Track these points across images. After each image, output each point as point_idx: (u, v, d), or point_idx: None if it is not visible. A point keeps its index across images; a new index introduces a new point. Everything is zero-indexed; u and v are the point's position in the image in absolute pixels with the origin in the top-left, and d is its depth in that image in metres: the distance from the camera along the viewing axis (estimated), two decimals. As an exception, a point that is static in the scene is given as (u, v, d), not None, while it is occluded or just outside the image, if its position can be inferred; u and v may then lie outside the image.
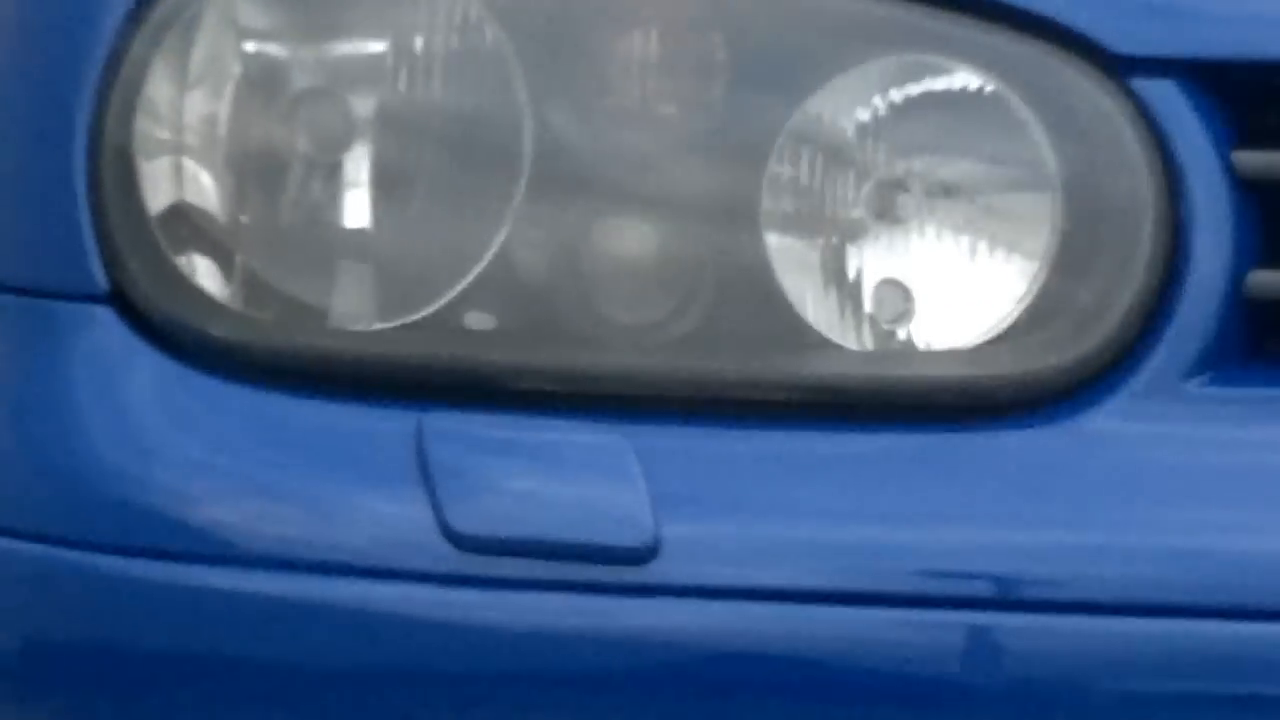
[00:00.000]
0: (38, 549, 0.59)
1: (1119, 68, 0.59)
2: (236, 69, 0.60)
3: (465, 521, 0.55)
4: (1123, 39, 0.59)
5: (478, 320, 0.60)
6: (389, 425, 0.57)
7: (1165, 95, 0.59)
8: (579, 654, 0.55)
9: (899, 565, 0.58)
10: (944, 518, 0.58)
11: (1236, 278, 0.59)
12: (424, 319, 0.59)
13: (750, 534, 0.56)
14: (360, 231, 0.61)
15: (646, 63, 0.61)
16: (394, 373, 0.59)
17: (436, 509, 0.55)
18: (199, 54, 0.60)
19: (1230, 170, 0.59)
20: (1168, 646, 0.58)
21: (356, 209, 0.61)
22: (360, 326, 0.60)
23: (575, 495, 0.56)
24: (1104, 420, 0.58)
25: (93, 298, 0.59)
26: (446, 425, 0.57)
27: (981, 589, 0.58)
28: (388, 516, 0.56)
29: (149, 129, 0.60)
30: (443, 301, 0.59)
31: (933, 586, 0.58)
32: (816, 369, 0.60)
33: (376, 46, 0.60)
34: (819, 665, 0.56)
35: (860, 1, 0.60)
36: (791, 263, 0.61)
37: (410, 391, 0.58)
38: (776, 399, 0.60)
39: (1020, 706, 0.56)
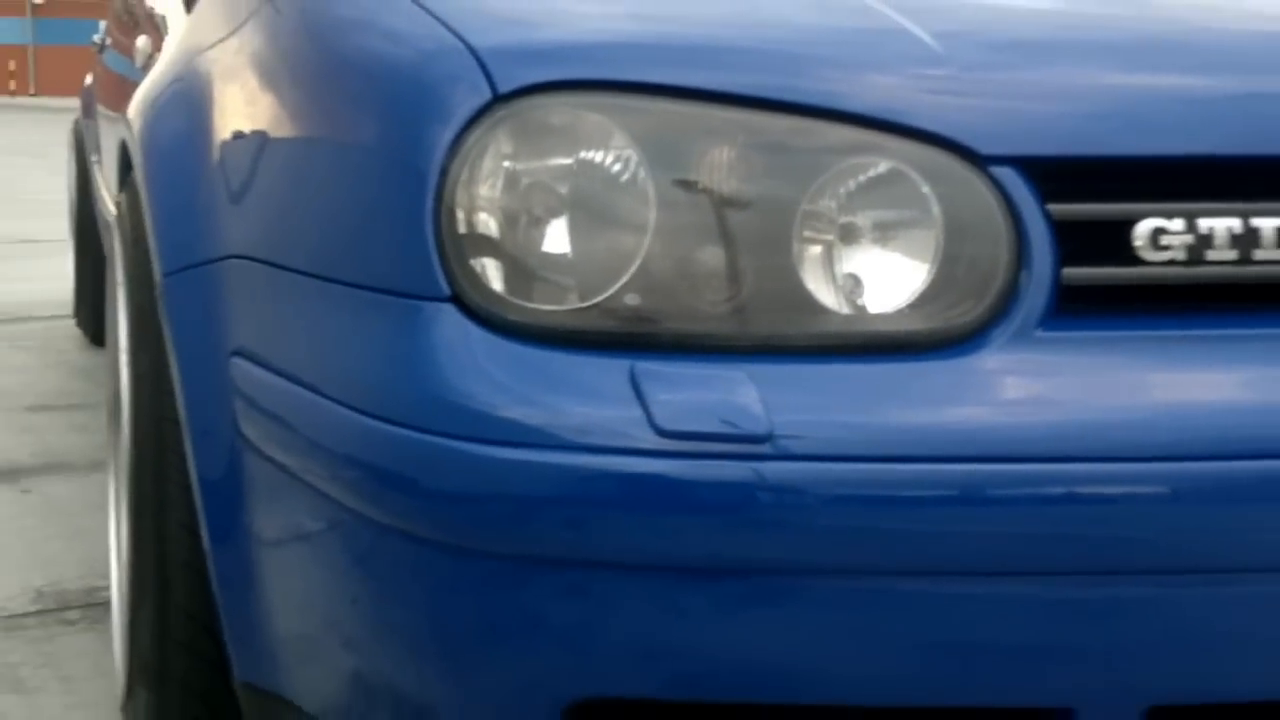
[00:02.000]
0: (409, 434, 1.00)
1: (981, 161, 1.02)
2: (500, 174, 1.03)
3: (666, 421, 0.97)
4: (983, 142, 1.02)
5: (632, 301, 1.04)
6: (608, 364, 1.00)
7: (1010, 175, 1.02)
8: (727, 493, 0.95)
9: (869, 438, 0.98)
10: (898, 410, 0.99)
11: (1056, 272, 1.02)
12: (598, 303, 1.03)
13: (821, 420, 0.99)
14: (563, 256, 1.04)
15: (723, 166, 1.03)
16: (608, 335, 1.01)
17: (647, 414, 0.98)
18: (484, 164, 1.03)
19: (1047, 213, 1.02)
20: (1013, 491, 0.94)
21: (561, 241, 1.05)
22: (567, 307, 1.02)
23: (720, 403, 0.98)
24: (988, 355, 1.00)
25: (440, 298, 1.03)
26: (649, 366, 0.99)
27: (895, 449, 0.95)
28: (612, 418, 0.97)
29: (462, 200, 1.03)
30: (609, 292, 1.03)
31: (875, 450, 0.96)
32: (822, 326, 1.04)
33: (565, 162, 1.04)
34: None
35: (834, 127, 1.02)
36: (805, 264, 1.05)
37: (619, 345, 1.01)
38: (802, 344, 1.03)
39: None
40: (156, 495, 1.39)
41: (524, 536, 0.98)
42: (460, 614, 1.00)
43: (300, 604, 1.16)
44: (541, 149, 1.03)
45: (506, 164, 1.02)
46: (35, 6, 33.16)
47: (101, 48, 3.42)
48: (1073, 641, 0.95)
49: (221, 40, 1.38)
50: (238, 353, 1.20)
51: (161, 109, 1.44)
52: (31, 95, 32.56)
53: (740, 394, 0.97)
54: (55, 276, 5.38)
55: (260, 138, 1.24)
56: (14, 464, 3.03)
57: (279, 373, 1.13)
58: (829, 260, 1.02)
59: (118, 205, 1.69)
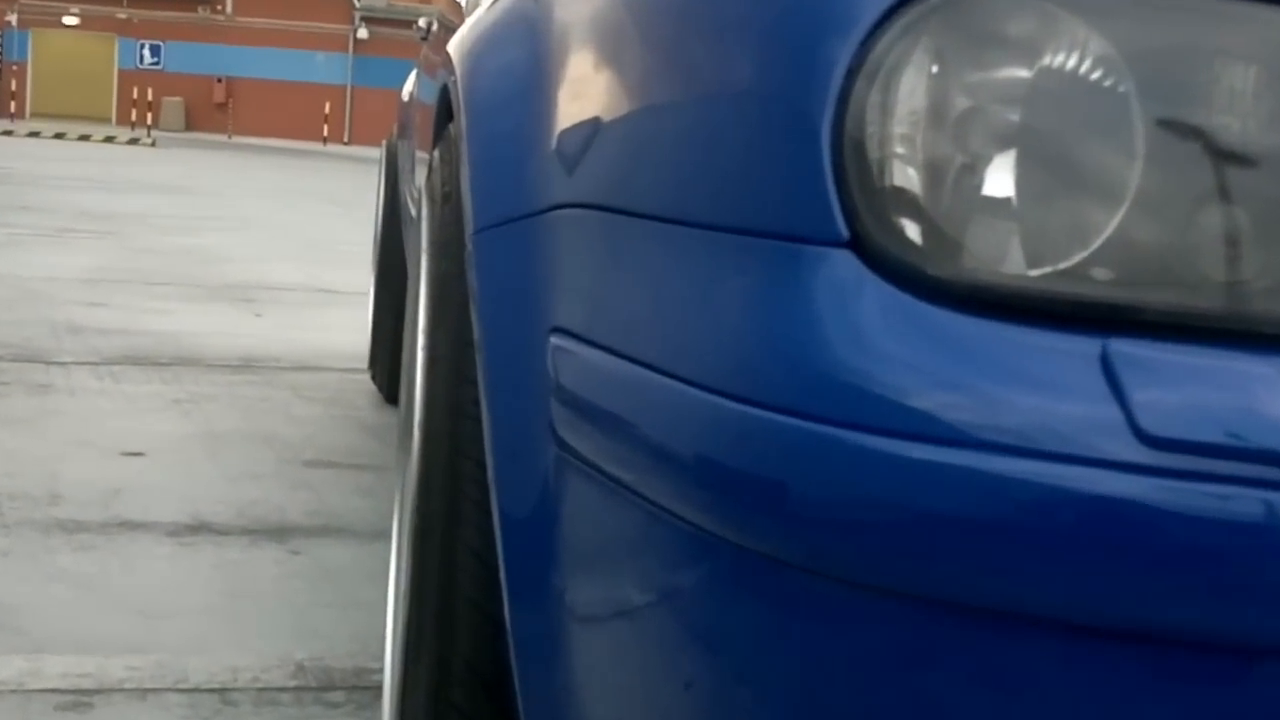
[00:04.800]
0: (781, 418, 0.92)
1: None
2: (924, 90, 0.94)
3: (1153, 425, 0.85)
4: None
5: (1106, 265, 0.91)
6: (1071, 347, 0.88)
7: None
8: (1235, 536, 0.82)
9: None
10: None
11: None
12: (1061, 268, 0.90)
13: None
14: (1009, 202, 0.93)
15: (1238, 91, 0.91)
16: (1071, 305, 0.90)
17: (1127, 414, 0.85)
18: (902, 78, 0.94)
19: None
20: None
21: (1006, 182, 0.93)
22: (1016, 272, 0.91)
23: (1227, 405, 0.84)
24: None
25: (835, 243, 0.93)
26: (1128, 350, 0.87)
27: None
28: (1078, 417, 0.85)
29: (872, 120, 0.93)
30: (1077, 259, 0.91)
31: None
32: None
33: (1022, 73, 0.93)
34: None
35: None
36: None
37: (1086, 320, 0.89)
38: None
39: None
40: (445, 522, 1.36)
41: (936, 573, 0.86)
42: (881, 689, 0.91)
43: (620, 684, 1.10)
44: (984, 60, 0.94)
45: (934, 77, 0.94)
46: (359, 42, 35.59)
47: (426, 34, 3.54)
48: None
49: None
50: (560, 329, 1.16)
51: (490, 40, 1.46)
52: (345, 144, 34.87)
53: (1255, 394, 0.86)
54: (351, 328, 5.64)
55: (607, 62, 1.22)
56: (284, 522, 3.11)
57: (613, 351, 1.08)
58: None
59: (429, 164, 1.73)
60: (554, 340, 1.17)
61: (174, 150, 24.97)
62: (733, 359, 0.96)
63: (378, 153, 6.08)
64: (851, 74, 0.94)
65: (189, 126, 35.29)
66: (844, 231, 0.94)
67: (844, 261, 0.93)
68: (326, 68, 36.23)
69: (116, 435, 3.72)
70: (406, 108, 4.24)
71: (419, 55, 3.87)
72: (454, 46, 1.57)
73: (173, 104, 35.35)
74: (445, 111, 1.75)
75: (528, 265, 1.22)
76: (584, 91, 1.25)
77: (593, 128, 1.21)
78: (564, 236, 1.19)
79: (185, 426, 3.89)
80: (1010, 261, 0.92)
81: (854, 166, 0.95)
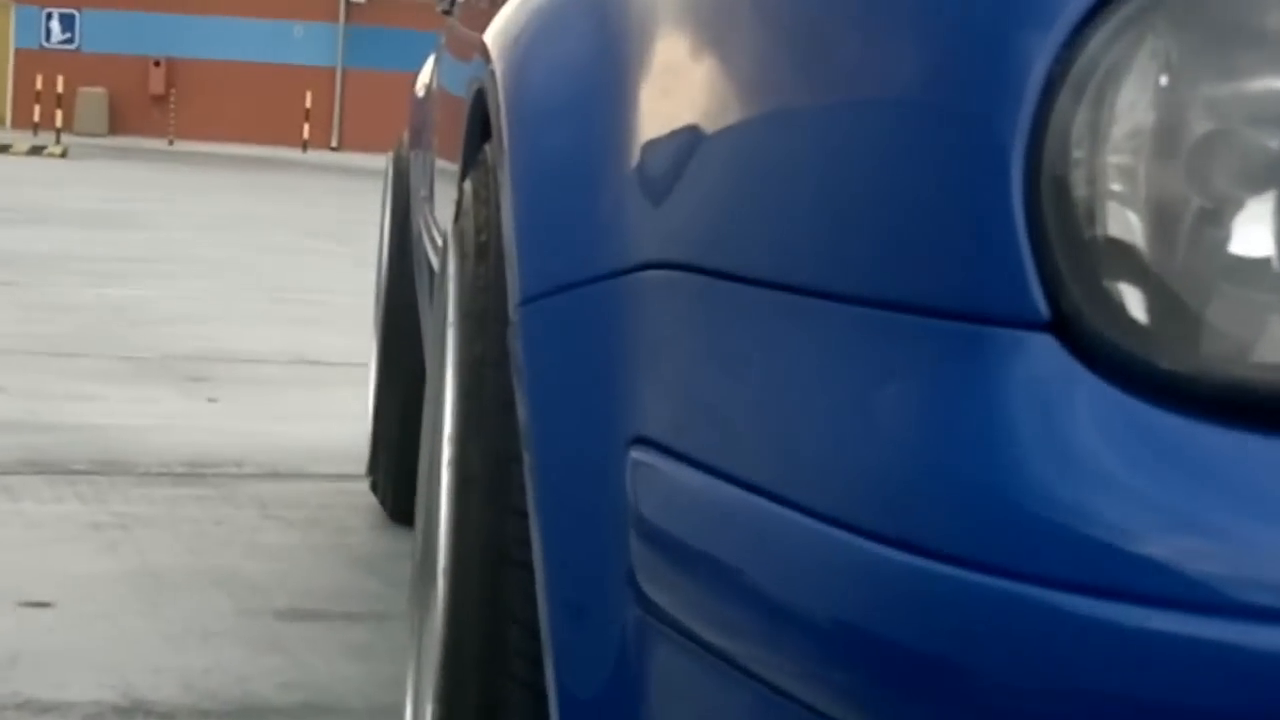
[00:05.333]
0: (962, 573, 0.93)
1: None
2: (1150, 115, 0.96)
3: None
4: None
5: None
6: None
7: None
8: None
9: None
10: None
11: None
12: None
13: None
14: (1268, 264, 0.95)
15: None
16: None
17: None
18: (1122, 87, 0.97)
19: None
20: None
21: (1265, 242, 0.95)
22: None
23: None
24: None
25: (1030, 324, 0.96)
26: None
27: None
28: None
29: (1080, 164, 0.97)
30: None
31: None
32: None
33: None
34: None
35: None
36: None
37: None
38: None
39: None
40: (481, 707, 1.39)
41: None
42: None
43: None
44: (1232, 64, 0.96)
45: (1163, 89, 0.97)
46: (353, 7, 35.91)
47: (451, 3, 3.59)
48: None
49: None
50: (644, 440, 1.19)
51: (544, 25, 1.49)
52: (332, 150, 35.23)
53: None
54: (344, 415, 5.69)
55: (712, 57, 1.25)
56: (251, 698, 3.14)
57: (720, 473, 1.11)
58: None
59: (458, 198, 1.77)
60: (636, 455, 1.19)
61: (94, 163, 25.26)
62: (890, 488, 0.99)
63: (380, 163, 6.10)
64: (1051, 85, 0.97)
65: (115, 129, 35.72)
66: (1042, 307, 0.96)
67: (1043, 350, 0.96)
68: (307, 44, 36.57)
69: (14, 577, 3.76)
70: (423, 105, 4.29)
71: (442, 31, 3.93)
72: (493, 33, 1.60)
73: (92, 98, 35.81)
74: (480, 122, 1.78)
75: (599, 349, 1.24)
76: (679, 99, 1.27)
77: (692, 151, 1.23)
78: (652, 309, 1.21)
79: (110, 563, 3.92)
80: (1272, 348, 0.94)
81: (1055, 213, 0.97)
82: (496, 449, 1.42)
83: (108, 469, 4.91)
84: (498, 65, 1.53)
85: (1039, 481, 0.94)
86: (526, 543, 1.31)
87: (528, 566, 1.30)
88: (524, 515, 1.31)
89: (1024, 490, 0.94)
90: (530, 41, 1.50)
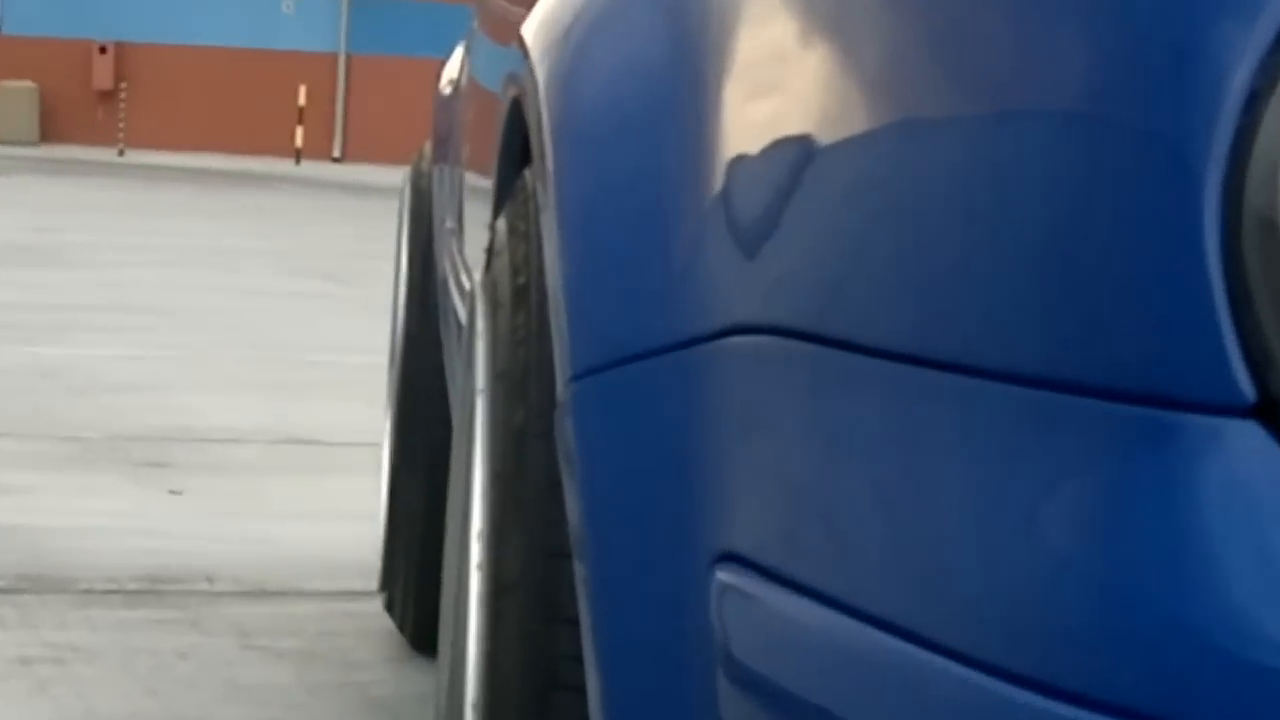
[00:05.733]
0: None
1: None
2: None
3: None
4: None
5: None
6: None
7: None
8: None
9: None
10: None
11: None
12: None
13: None
14: None
15: None
16: None
17: None
18: None
19: None
20: None
21: None
22: None
23: None
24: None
25: (1232, 409, 0.98)
26: None
27: None
28: None
29: None
30: None
31: None
32: None
33: None
34: None
35: None
36: None
37: None
38: None
39: None
40: None
41: None
42: None
43: None
44: None
45: None
46: (358, -24, 35.93)
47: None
48: None
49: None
50: (734, 557, 1.21)
51: (598, 19, 1.51)
52: (335, 161, 35.32)
53: None
54: (348, 513, 5.69)
55: (816, 62, 1.27)
56: None
57: (833, 601, 1.13)
58: None
59: (490, 237, 1.77)
60: (723, 576, 1.21)
61: (19, 179, 25.39)
62: (1059, 624, 1.00)
63: (395, 179, 6.11)
64: (1254, 101, 0.99)
65: (47, 136, 35.90)
66: (1248, 389, 0.98)
67: (1248, 440, 0.98)
68: (300, 23, 36.60)
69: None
70: (450, 106, 4.32)
71: (475, 7, 3.96)
72: (533, 26, 1.63)
73: (18, 94, 36.05)
74: (517, 139, 1.81)
75: (673, 437, 1.26)
76: (780, 114, 1.29)
77: (797, 183, 1.25)
78: (744, 386, 1.24)
79: (41, 710, 3.95)
80: None
81: (1261, 265, 0.99)
82: (540, 553, 1.45)
83: (37, 585, 4.92)
84: (540, 68, 1.55)
85: (1250, 617, 0.95)
86: (578, 658, 1.33)
87: (581, 691, 1.33)
88: (575, 639, 1.33)
89: (1231, 628, 0.96)
90: (583, 37, 1.53)
